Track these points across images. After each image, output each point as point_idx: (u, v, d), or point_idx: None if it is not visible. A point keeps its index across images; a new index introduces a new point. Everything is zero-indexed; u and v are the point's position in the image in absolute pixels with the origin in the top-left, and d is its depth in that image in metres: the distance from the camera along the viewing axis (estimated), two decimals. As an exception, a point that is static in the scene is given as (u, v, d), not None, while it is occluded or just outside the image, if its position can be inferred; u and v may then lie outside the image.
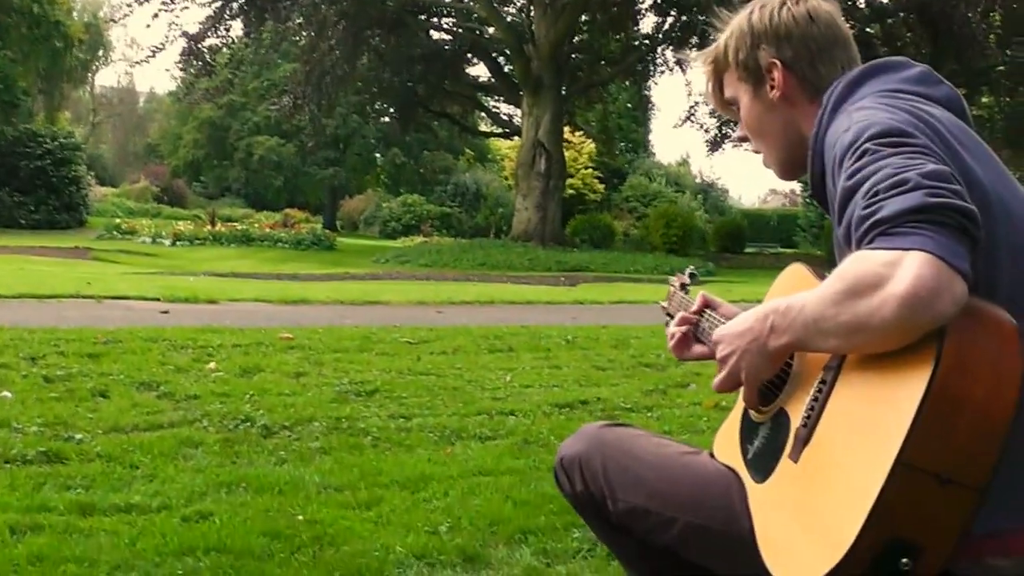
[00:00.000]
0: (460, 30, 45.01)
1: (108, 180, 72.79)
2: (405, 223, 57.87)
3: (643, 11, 43.45)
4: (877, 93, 2.33)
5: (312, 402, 7.38)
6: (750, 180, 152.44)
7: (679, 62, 42.81)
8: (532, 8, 41.41)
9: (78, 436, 5.95)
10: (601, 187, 56.19)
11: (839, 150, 2.17)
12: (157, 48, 38.78)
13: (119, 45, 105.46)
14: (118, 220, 46.24)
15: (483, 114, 54.82)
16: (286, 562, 4.10)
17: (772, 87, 2.55)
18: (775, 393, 2.36)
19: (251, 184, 70.97)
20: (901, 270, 1.84)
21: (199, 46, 39.27)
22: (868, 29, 42.75)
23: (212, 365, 8.61)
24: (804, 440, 2.16)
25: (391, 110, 53.77)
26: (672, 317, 3.09)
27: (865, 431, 1.98)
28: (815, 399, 2.17)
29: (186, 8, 43.30)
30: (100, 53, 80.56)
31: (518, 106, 44.30)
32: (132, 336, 9.85)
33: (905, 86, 2.36)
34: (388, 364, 9.40)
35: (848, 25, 2.63)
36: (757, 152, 2.69)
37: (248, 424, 6.56)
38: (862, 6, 40.74)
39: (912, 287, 1.82)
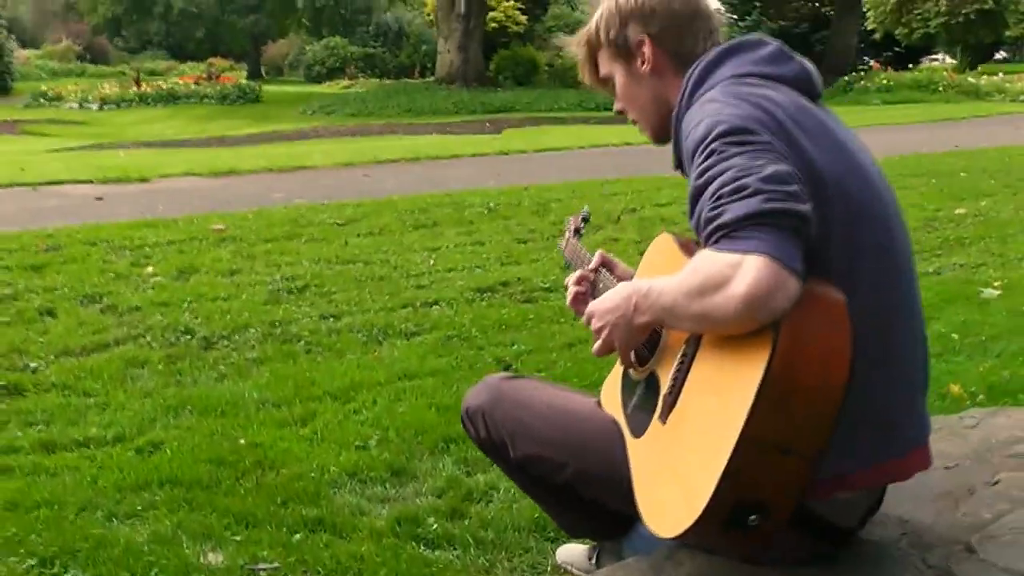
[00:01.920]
0: None
1: (29, 42, 71.56)
2: (329, 66, 57.52)
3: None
4: (729, 80, 2.58)
5: (247, 305, 7.86)
6: None
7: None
8: None
9: (33, 364, 6.43)
10: (524, 18, 55.66)
11: (691, 144, 2.41)
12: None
13: None
14: (44, 86, 45.69)
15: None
16: (232, 490, 4.57)
17: (643, 62, 2.80)
18: (649, 354, 2.69)
19: (173, 36, 69.97)
20: (741, 272, 2.10)
21: None
22: None
23: (150, 269, 9.04)
24: (670, 405, 2.45)
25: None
26: (569, 263, 3.46)
27: (716, 404, 2.27)
28: (679, 368, 2.45)
29: None
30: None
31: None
32: (72, 240, 10.20)
33: (755, 68, 2.61)
34: (317, 252, 9.85)
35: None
36: (634, 123, 2.97)
37: (189, 336, 7.05)
38: None
39: (751, 288, 2.08)
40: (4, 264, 9.17)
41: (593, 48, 2.92)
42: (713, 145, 2.32)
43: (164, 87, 43.28)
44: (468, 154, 20.26)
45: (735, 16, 56.89)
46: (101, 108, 39.39)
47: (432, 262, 9.40)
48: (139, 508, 4.40)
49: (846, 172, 2.44)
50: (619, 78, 2.87)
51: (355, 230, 11.08)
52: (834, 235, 2.35)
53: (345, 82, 51.25)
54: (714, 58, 2.65)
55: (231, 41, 69.06)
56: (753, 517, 2.22)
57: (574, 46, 2.98)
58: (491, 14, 50.01)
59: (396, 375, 6.24)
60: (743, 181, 2.19)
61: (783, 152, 2.30)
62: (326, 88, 48.46)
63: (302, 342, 6.99)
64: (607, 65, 2.90)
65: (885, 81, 39.17)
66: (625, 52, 2.83)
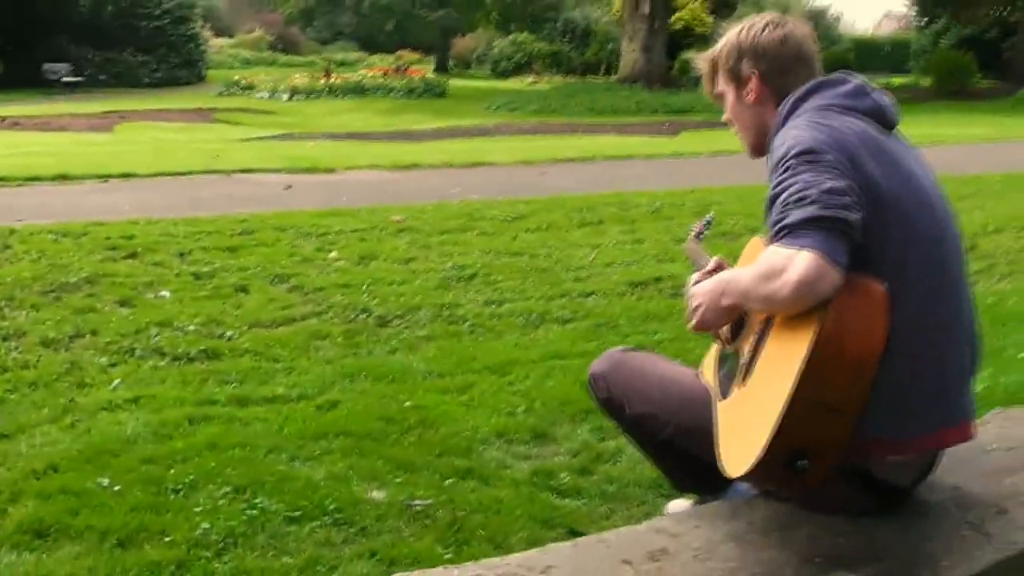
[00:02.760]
0: None
1: (223, 31, 73.51)
2: (516, 62, 58.03)
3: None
4: (814, 109, 3.15)
5: (420, 290, 8.64)
6: (863, 3, 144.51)
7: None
8: None
9: (228, 333, 7.32)
10: (710, 19, 55.60)
11: (774, 160, 2.94)
12: None
13: None
14: (236, 76, 47.31)
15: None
16: (396, 442, 5.32)
17: (749, 92, 3.32)
18: (737, 333, 3.24)
19: (363, 27, 71.21)
20: (794, 263, 2.62)
21: None
22: None
23: (333, 254, 9.94)
24: (746, 372, 3.06)
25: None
26: (692, 263, 3.95)
27: (777, 369, 2.81)
28: (755, 343, 3.05)
29: None
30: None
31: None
32: (263, 224, 11.20)
33: (836, 101, 3.12)
34: (487, 245, 10.62)
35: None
36: (736, 135, 3.52)
37: (366, 315, 7.86)
38: None
39: (801, 276, 2.60)
40: (202, 245, 10.16)
41: (714, 68, 3.46)
42: (789, 162, 2.86)
43: (352, 79, 44.43)
44: (643, 155, 20.88)
45: (924, 20, 56.20)
46: (291, 98, 40.70)
47: (592, 257, 10.10)
48: (317, 453, 5.14)
49: (901, 190, 2.94)
50: (729, 98, 3.43)
51: (524, 225, 11.83)
52: (888, 240, 2.86)
53: (531, 78, 51.90)
54: (803, 93, 3.20)
55: (420, 34, 69.90)
56: (802, 462, 2.72)
57: (701, 61, 3.54)
58: (677, 14, 50.25)
59: (548, 355, 6.91)
60: (806, 192, 2.72)
61: (845, 171, 2.81)
62: (511, 84, 49.14)
63: (467, 323, 7.74)
64: (722, 85, 3.44)
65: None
66: (737, 80, 3.37)
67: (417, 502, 4.57)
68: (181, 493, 4.65)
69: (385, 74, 46.93)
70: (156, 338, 7.13)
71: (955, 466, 3.38)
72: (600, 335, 7.42)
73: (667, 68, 42.47)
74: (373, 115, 35.28)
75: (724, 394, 3.21)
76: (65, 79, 44.74)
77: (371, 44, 68.85)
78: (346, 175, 16.66)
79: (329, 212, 12.20)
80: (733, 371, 3.17)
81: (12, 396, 5.98)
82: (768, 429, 2.69)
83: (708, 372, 3.48)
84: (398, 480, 4.82)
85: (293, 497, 4.57)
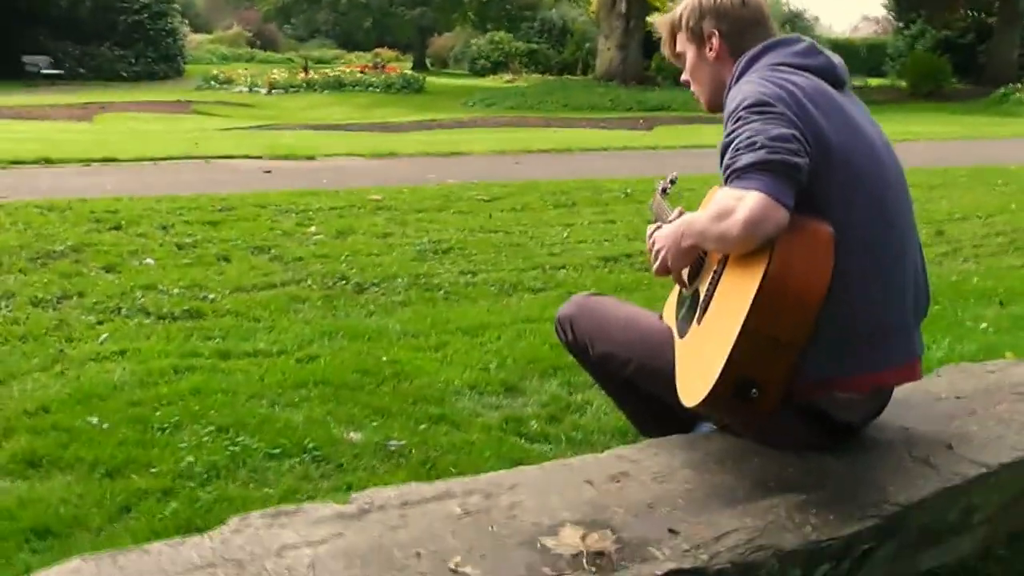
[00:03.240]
0: None
1: (201, 27, 73.45)
2: (494, 60, 58.19)
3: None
4: (765, 66, 3.27)
5: (396, 261, 8.87)
6: (841, 6, 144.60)
7: None
8: None
9: (211, 296, 7.54)
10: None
11: (727, 112, 3.12)
12: None
13: None
14: (215, 70, 47.47)
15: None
16: (373, 391, 5.53)
17: (710, 49, 3.49)
18: (695, 275, 3.44)
19: (340, 25, 71.36)
20: (743, 203, 2.80)
21: None
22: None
23: (313, 228, 10.15)
24: (703, 309, 3.18)
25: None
26: (655, 217, 4.09)
27: (729, 304, 2.97)
28: (711, 282, 3.16)
29: None
30: None
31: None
32: (243, 202, 11.40)
33: (788, 59, 3.29)
34: (463, 223, 10.86)
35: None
36: (694, 93, 3.72)
37: (344, 282, 8.07)
38: None
39: (748, 215, 2.78)
40: (184, 219, 10.36)
41: (674, 30, 3.65)
42: (740, 113, 3.03)
43: (331, 75, 44.56)
44: (617, 147, 21.09)
45: (901, 23, 56.50)
46: (269, 92, 40.81)
47: (566, 235, 10.35)
48: (296, 400, 5.36)
49: (850, 142, 3.12)
50: (689, 57, 3.62)
51: (499, 206, 12.08)
52: (834, 185, 3.03)
53: (508, 76, 52.07)
54: (758, 51, 3.39)
55: (398, 32, 70.06)
56: (753, 391, 2.89)
57: (661, 24, 3.73)
58: (656, 15, 50.47)
59: (520, 319, 7.13)
60: (755, 138, 2.90)
61: (794, 121, 2.98)
62: (489, 82, 49.25)
63: (442, 291, 7.96)
64: (682, 45, 3.60)
65: (1041, 95, 38.44)
66: (698, 39, 3.53)
67: (392, 442, 4.78)
68: (167, 431, 4.86)
69: (363, 70, 47.02)
70: (141, 299, 7.34)
71: (905, 411, 3.62)
72: (571, 302, 7.63)
73: (643, 66, 42.63)
74: (352, 109, 35.44)
75: (682, 333, 3.40)
76: (44, 71, 44.86)
77: (349, 42, 68.99)
78: (325, 162, 16.87)
79: (308, 192, 12.42)
80: (691, 311, 3.35)
81: (2, 348, 6.20)
82: (721, 359, 2.87)
83: (669, 314, 3.68)
84: (374, 424, 5.03)
85: (273, 436, 4.78)
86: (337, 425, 5.00)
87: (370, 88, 42.35)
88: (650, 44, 44.30)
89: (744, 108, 3.05)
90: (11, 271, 7.96)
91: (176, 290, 7.63)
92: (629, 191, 13.30)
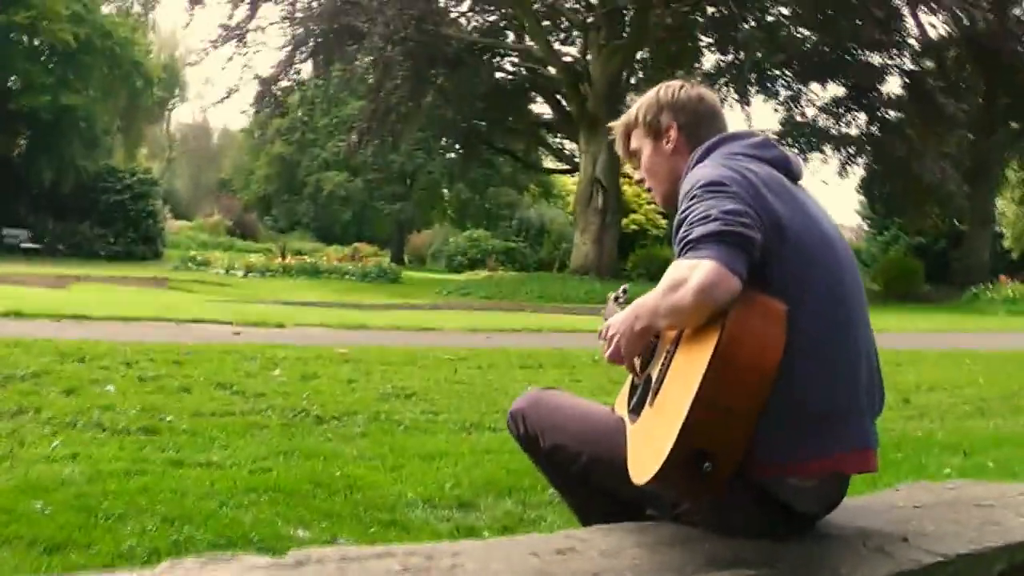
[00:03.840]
0: (522, 70, 45.50)
1: (183, 213, 74.03)
2: (471, 257, 58.52)
3: (702, 49, 44.51)
4: (722, 155, 3.42)
5: (359, 401, 8.85)
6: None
7: (740, 97, 43.06)
8: (587, 48, 42.31)
9: (168, 417, 7.49)
10: (663, 222, 56.40)
11: (682, 194, 3.11)
12: (231, 90, 40.65)
13: (194, 83, 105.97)
14: (193, 252, 47.89)
15: (546, 150, 54.85)
16: (325, 499, 5.50)
17: (667, 141, 3.53)
18: (647, 362, 3.40)
19: (320, 218, 72.00)
20: (695, 271, 2.76)
21: (272, 88, 40.68)
22: (924, 64, 43.80)
23: (277, 371, 10.16)
24: (656, 390, 3.20)
25: (456, 146, 54.25)
26: (606, 319, 4.12)
27: (683, 379, 3.00)
28: (664, 363, 3.20)
29: (258, 51, 44.21)
30: (176, 92, 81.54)
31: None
32: (209, 349, 11.46)
33: (743, 150, 3.42)
34: (428, 375, 10.86)
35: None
36: (649, 190, 3.75)
37: (304, 414, 8.04)
38: (914, 43, 41.64)
39: (701, 282, 2.74)
40: (150, 358, 10.37)
41: (629, 128, 3.73)
42: (695, 192, 3.10)
43: (308, 260, 44.89)
44: (590, 329, 21.14)
45: (874, 230, 57.51)
46: (246, 275, 40.93)
47: (530, 387, 10.27)
48: (246, 503, 5.33)
49: (804, 226, 3.18)
50: (646, 153, 3.67)
51: (466, 364, 12.09)
52: (788, 265, 3.07)
53: (485, 273, 52.49)
54: (714, 142, 3.48)
55: (377, 227, 70.77)
56: (707, 464, 2.81)
57: (617, 125, 3.80)
58: (632, 216, 51.17)
59: (479, 450, 7.11)
60: (708, 213, 2.90)
61: (747, 200, 3.06)
62: (465, 277, 49.55)
63: (402, 426, 7.93)
64: (638, 141, 3.70)
65: (1011, 293, 38.80)
66: (655, 132, 3.63)
67: (340, 540, 4.73)
68: (111, 519, 4.84)
69: (340, 260, 47.39)
70: (98, 417, 7.31)
71: (860, 514, 3.56)
72: (532, 439, 7.61)
73: (618, 262, 43.03)
74: (327, 293, 35.55)
75: (634, 420, 3.36)
76: (23, 245, 45.12)
77: (328, 235, 69.51)
78: (295, 330, 16.87)
79: (275, 346, 12.46)
80: (644, 396, 3.32)
81: (-50, 448, 6.14)
82: (674, 431, 2.83)
83: (621, 406, 3.64)
84: (323, 525, 5.00)
85: (220, 529, 4.75)
86: (285, 525, 4.97)
87: (346, 276, 42.53)
88: (627, 244, 44.97)
89: (699, 187, 3.09)
90: (-33, 391, 7.90)
91: (133, 411, 7.60)
92: (597, 358, 13.30)
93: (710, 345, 2.84)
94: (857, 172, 51.41)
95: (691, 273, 2.83)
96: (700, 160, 3.41)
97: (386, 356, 12.23)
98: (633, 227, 52.32)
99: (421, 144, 55.36)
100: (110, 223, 49.23)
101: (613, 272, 40.71)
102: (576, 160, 45.73)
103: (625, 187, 44.43)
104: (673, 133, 3.56)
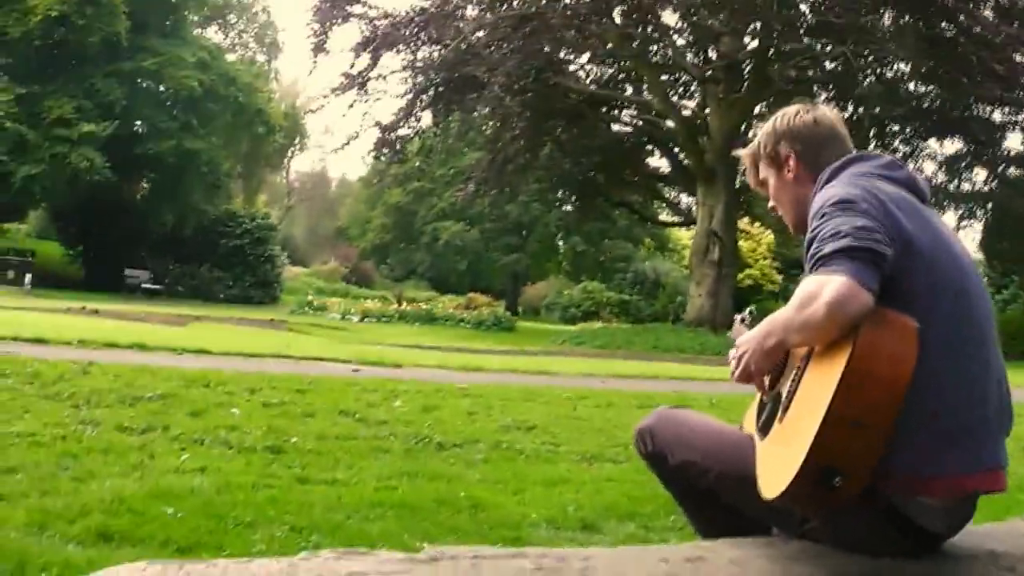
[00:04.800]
0: (639, 122, 45.37)
1: (299, 260, 75.06)
2: (585, 309, 58.39)
3: (819, 103, 44.13)
4: (851, 175, 3.40)
5: (480, 431, 8.90)
6: None
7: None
8: (706, 101, 42.23)
9: (293, 439, 7.57)
10: (779, 277, 56.19)
11: (812, 213, 3.13)
12: (351, 137, 41.11)
13: (315, 132, 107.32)
14: (310, 297, 48.47)
15: (662, 203, 54.70)
16: (449, 518, 5.52)
17: (788, 170, 3.56)
18: (777, 380, 3.39)
19: (436, 267, 72.27)
20: (827, 287, 2.80)
21: (391, 135, 41.01)
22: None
23: (398, 403, 10.24)
24: (786, 407, 3.19)
25: (572, 198, 54.29)
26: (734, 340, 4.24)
27: (814, 395, 2.99)
28: (794, 380, 3.19)
29: (379, 99, 44.32)
30: (297, 140, 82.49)
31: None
32: (331, 382, 11.62)
33: (871, 170, 3.39)
34: (547, 411, 10.91)
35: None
36: (780, 217, 3.77)
37: (426, 441, 8.09)
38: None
39: (833, 296, 2.77)
40: (272, 387, 10.52)
41: (756, 158, 3.75)
42: (826, 210, 3.11)
43: (424, 307, 45.20)
44: (706, 378, 21.05)
45: (993, 288, 56.74)
46: (362, 320, 41.34)
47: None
48: (372, 517, 5.38)
49: (934, 246, 3.14)
50: (772, 182, 3.69)
51: (584, 402, 12.12)
52: (918, 283, 3.02)
53: (598, 324, 52.40)
54: (841, 163, 3.46)
55: (491, 277, 70.89)
56: (837, 479, 2.82)
57: (744, 156, 3.82)
58: (748, 271, 50.84)
59: (601, 479, 7.11)
60: (840, 229, 2.93)
61: (877, 218, 3.06)
62: (579, 328, 49.46)
63: (524, 455, 7.94)
64: (764, 171, 3.72)
65: None
66: (777, 163, 3.65)
67: (469, 552, 4.73)
68: (240, 526, 4.91)
69: (455, 309, 47.67)
70: (224, 436, 7.44)
71: (991, 539, 3.47)
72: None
73: (733, 315, 42.68)
74: (443, 339, 35.76)
75: (764, 435, 3.35)
76: (144, 285, 46.17)
77: (443, 284, 69.84)
78: (413, 370, 16.97)
79: (395, 380, 12.57)
80: (773, 414, 3.30)
81: (85, 457, 6.28)
82: (805, 447, 2.83)
83: (749, 424, 3.64)
84: (448, 540, 4.98)
85: (347, 539, 4.77)
86: (411, 538, 4.97)
87: (461, 323, 42.76)
88: (743, 299, 44.59)
89: (830, 205, 3.09)
90: (99, 407, 8.10)
91: (259, 432, 7.72)
92: (715, 401, 13.24)
93: (842, 361, 2.83)
94: (976, 228, 50.84)
95: (823, 289, 2.84)
96: (828, 181, 3.40)
97: (505, 393, 12.34)
98: (748, 282, 51.99)
99: (537, 196, 55.41)
100: (229, 267, 50.29)
101: (728, 325, 40.06)
102: (692, 213, 45.47)
103: (741, 242, 44.20)
104: (792, 162, 3.58)
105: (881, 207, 3.09)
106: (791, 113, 3.65)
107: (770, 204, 3.75)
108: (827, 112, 3.67)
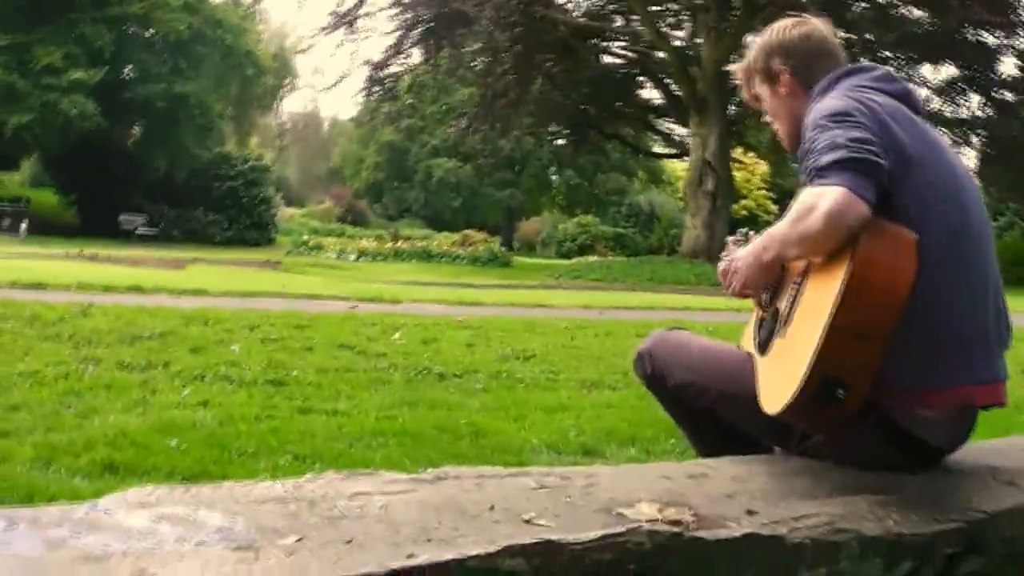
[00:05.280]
0: (630, 54, 45.21)
1: (294, 201, 74.98)
2: (580, 243, 58.37)
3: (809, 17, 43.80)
4: (845, 87, 3.40)
5: (479, 361, 8.93)
6: None
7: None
8: (696, 30, 42.04)
9: (294, 372, 7.62)
10: (775, 207, 56.07)
11: (807, 127, 3.13)
12: (342, 76, 41.00)
13: (304, 73, 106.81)
14: (305, 237, 48.41)
15: (656, 135, 54.47)
16: (451, 444, 5.57)
17: (781, 85, 3.55)
18: (773, 297, 3.42)
19: (430, 205, 72.15)
20: (824, 198, 2.80)
21: (381, 73, 40.84)
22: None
23: (397, 335, 10.29)
24: (785, 322, 3.22)
25: (565, 132, 54.16)
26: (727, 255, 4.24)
27: (814, 308, 3.02)
28: (792, 294, 3.23)
29: (367, 37, 44.19)
30: (287, 80, 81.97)
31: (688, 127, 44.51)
32: (329, 318, 11.67)
33: (866, 82, 3.32)
34: (546, 341, 10.93)
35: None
36: (776, 132, 3.77)
37: (426, 372, 8.11)
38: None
39: (830, 207, 2.77)
40: (272, 323, 10.59)
41: (749, 73, 3.75)
42: (820, 121, 3.10)
43: (420, 245, 45.16)
44: (703, 307, 21.10)
45: (991, 214, 56.63)
46: (358, 259, 41.25)
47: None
48: (374, 445, 5.43)
49: (929, 158, 3.13)
50: (766, 98, 3.69)
51: (583, 332, 12.16)
52: (914, 195, 3.03)
53: (594, 258, 52.39)
54: (836, 76, 3.47)
55: (486, 213, 70.66)
56: (839, 391, 2.85)
57: (738, 71, 3.81)
58: (743, 201, 50.76)
59: (600, 404, 7.16)
60: (835, 141, 2.93)
61: (872, 129, 3.00)
62: (574, 262, 49.45)
63: (523, 383, 7.98)
64: (758, 87, 3.73)
65: None
66: (770, 78, 3.65)
67: (471, 475, 4.77)
68: (244, 456, 4.96)
69: (451, 246, 47.60)
70: (225, 371, 7.48)
71: (991, 455, 3.52)
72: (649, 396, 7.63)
73: (729, 246, 42.59)
74: (440, 275, 35.78)
75: (763, 351, 3.37)
76: (140, 231, 46.01)
77: (438, 222, 69.65)
78: (410, 305, 16.99)
79: (393, 314, 12.62)
80: (771, 330, 3.33)
81: (87, 393, 6.34)
82: (808, 359, 2.85)
83: (747, 342, 3.66)
84: (451, 465, 5.01)
85: (350, 466, 4.72)
86: (414, 464, 4.98)
87: (457, 260, 42.71)
88: (736, 226, 44.41)
89: (824, 117, 3.09)
90: (100, 346, 8.15)
91: (259, 367, 7.75)
92: (711, 329, 13.27)
93: (840, 273, 2.86)
94: (970, 155, 50.71)
95: (820, 200, 2.85)
96: (823, 93, 3.40)
97: (503, 325, 12.37)
98: (743, 213, 51.94)
99: (530, 130, 55.29)
100: (223, 209, 50.18)
101: (724, 256, 40.24)
102: (685, 144, 45.35)
103: (735, 172, 44.07)
104: (785, 77, 3.58)
105: (876, 119, 3.09)
106: (783, 27, 3.64)
107: (765, 119, 3.77)
108: (819, 25, 3.66)
